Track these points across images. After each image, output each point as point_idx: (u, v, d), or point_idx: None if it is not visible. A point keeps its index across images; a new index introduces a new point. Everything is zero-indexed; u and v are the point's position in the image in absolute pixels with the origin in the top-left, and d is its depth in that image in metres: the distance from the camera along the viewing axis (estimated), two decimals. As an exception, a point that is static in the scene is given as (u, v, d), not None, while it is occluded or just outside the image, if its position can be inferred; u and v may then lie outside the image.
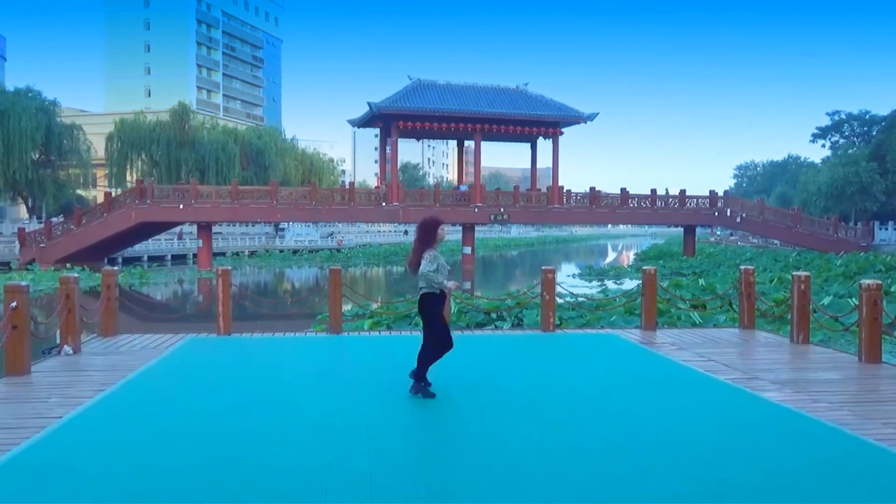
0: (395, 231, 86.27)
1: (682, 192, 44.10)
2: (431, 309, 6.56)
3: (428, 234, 6.61)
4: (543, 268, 11.08)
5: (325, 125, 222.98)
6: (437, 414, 6.03)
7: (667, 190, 45.29)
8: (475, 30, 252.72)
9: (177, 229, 50.97)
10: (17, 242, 38.53)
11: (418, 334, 10.89)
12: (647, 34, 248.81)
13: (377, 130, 46.84)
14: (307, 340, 10.31)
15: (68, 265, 35.30)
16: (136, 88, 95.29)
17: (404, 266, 6.97)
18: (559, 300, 13.72)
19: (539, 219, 45.44)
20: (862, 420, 5.78)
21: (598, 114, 42.30)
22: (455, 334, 9.72)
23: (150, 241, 47.35)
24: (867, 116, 70.79)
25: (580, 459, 4.79)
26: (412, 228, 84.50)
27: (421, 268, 6.49)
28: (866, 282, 8.51)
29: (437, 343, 6.55)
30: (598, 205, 42.60)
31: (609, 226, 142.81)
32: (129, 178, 54.35)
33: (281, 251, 57.45)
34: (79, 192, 56.58)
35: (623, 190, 43.46)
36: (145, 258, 46.68)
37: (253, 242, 60.57)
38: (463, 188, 46.16)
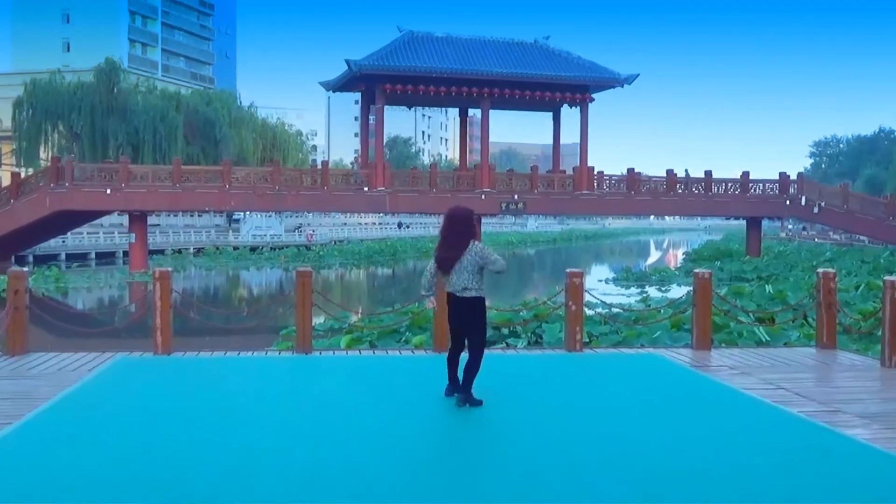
0: (380, 224, 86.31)
1: (745, 174, 44.09)
2: (484, 313, 7.42)
3: (473, 227, 7.32)
4: (568, 270, 11.08)
5: (291, 89, 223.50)
6: (436, 461, 6.02)
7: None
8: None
9: (104, 220, 50.96)
10: None
11: (409, 354, 10.92)
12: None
13: (358, 96, 46.76)
14: (268, 362, 10.30)
15: (-35, 265, 35.30)
16: (51, 41, 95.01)
17: (429, 265, 7.45)
18: (588, 312, 13.72)
19: (563, 208, 45.46)
20: (972, 465, 5.77)
21: (637, 75, 42.32)
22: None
23: (69, 235, 47.34)
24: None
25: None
26: (405, 220, 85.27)
27: (497, 267, 7.23)
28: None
29: (483, 350, 7.43)
30: (637, 191, 42.62)
31: (651, 218, 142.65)
32: (42, 154, 54.37)
33: (235, 248, 57.52)
34: (-23, 172, 56.65)
35: (669, 172, 43.49)
36: (63, 256, 46.69)
37: (200, 237, 60.62)
38: None
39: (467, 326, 7.41)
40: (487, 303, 7.71)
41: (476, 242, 7.26)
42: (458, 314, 7.40)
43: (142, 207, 38.89)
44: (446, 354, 7.76)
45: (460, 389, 7.38)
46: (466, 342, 7.51)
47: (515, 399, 7.90)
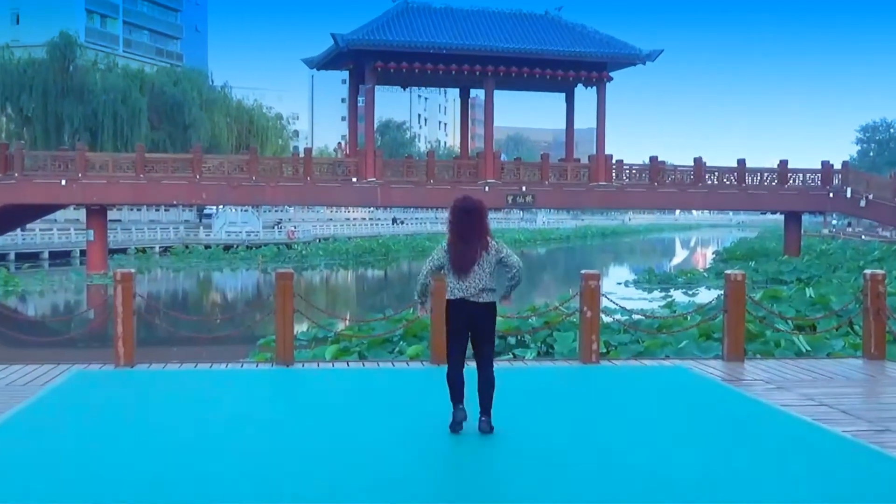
0: (371, 219, 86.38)
1: (783, 163, 44.12)
2: (495, 321, 7.39)
3: (486, 220, 7.22)
4: (583, 272, 11.09)
5: (270, 67, 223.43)
6: (437, 489, 6.02)
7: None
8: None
9: (58, 215, 51.00)
10: None
11: (403, 366, 10.93)
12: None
13: (345, 75, 46.79)
14: (244, 375, 10.30)
15: None
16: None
17: (435, 264, 7.31)
18: (606, 318, 13.72)
19: (577, 202, 45.48)
20: None
21: (661, 52, 42.36)
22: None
23: (18, 231, 47.35)
24: None
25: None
26: (400, 215, 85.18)
27: (513, 261, 7.18)
28: None
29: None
30: (661, 182, 42.66)
31: (677, 212, 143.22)
32: (-12, 141, 54.33)
33: (207, 247, 57.55)
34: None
35: (697, 161, 43.49)
36: (12, 256, 46.71)
37: (167, 234, 60.66)
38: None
39: (483, 336, 7.25)
40: None
41: (491, 238, 7.22)
42: (474, 323, 7.16)
43: (101, 201, 38.88)
44: (446, 374, 7.31)
45: (485, 414, 7.19)
46: (476, 356, 7.31)
47: (524, 418, 7.90)
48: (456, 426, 7.17)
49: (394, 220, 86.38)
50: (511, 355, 14.51)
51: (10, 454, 6.63)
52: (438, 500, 5.60)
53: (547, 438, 7.18)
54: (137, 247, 55.41)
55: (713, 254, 60.60)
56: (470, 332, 7.26)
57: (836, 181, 44.09)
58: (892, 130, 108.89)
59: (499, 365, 11.23)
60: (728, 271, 11.49)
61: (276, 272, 10.95)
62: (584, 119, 48.95)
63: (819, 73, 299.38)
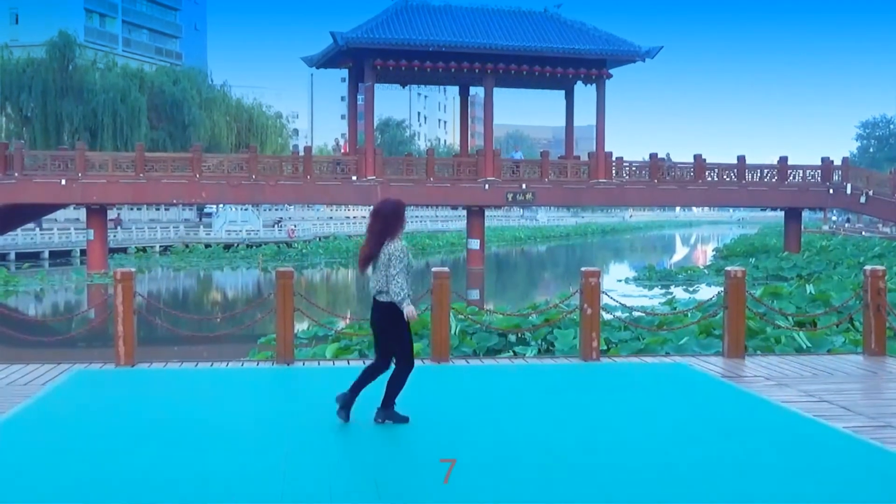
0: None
1: (783, 160, 44.12)
2: (403, 323, 7.33)
3: (394, 220, 7.43)
4: (584, 269, 11.10)
5: (270, 66, 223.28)
6: (440, 488, 6.03)
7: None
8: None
9: (59, 214, 50.99)
10: None
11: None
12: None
13: (345, 73, 46.71)
14: (244, 374, 10.31)
15: None
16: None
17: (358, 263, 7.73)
18: (606, 315, 13.71)
19: (577, 199, 45.38)
20: None
21: (660, 48, 42.32)
22: (457, 365, 9.75)
23: (18, 231, 47.35)
24: None
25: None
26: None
27: (388, 269, 7.25)
28: None
29: (410, 363, 7.45)
30: (661, 179, 42.65)
31: (677, 209, 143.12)
32: (-12, 140, 54.34)
33: (207, 245, 57.54)
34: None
35: (697, 157, 43.50)
36: (13, 256, 46.71)
37: (167, 233, 60.61)
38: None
39: (379, 333, 7.60)
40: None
41: (394, 241, 7.41)
42: (373, 318, 7.60)
43: (101, 200, 38.86)
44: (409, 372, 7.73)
45: (383, 406, 7.50)
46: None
47: (525, 414, 7.91)
48: (339, 410, 7.56)
49: None
50: (512, 353, 14.51)
51: (11, 454, 6.64)
52: (439, 499, 5.60)
53: (548, 436, 7.19)
54: (137, 246, 55.39)
55: (713, 250, 60.57)
56: (374, 328, 7.73)
57: (836, 177, 44.07)
58: (892, 126, 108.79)
59: (500, 362, 11.29)
60: (728, 268, 11.51)
61: (277, 271, 10.97)
62: (584, 116, 48.99)
63: (819, 69, 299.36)
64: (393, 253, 7.28)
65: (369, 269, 7.47)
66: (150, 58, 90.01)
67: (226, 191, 39.48)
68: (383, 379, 7.51)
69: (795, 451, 6.73)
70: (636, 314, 15.81)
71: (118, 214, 57.59)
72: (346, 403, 7.46)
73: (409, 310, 7.27)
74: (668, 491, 5.71)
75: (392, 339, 7.46)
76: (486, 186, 40.25)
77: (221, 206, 60.07)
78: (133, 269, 10.89)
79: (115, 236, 51.01)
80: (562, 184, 41.74)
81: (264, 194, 40.43)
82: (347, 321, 20.74)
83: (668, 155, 45.06)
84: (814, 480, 5.98)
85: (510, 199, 41.35)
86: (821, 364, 10.70)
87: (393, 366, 7.50)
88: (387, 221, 7.43)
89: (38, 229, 50.71)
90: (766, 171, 44.03)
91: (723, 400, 8.69)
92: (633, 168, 43.16)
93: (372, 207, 7.71)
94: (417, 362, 11.12)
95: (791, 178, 43.84)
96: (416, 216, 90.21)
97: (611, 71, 43.00)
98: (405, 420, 7.45)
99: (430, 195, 41.11)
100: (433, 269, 10.79)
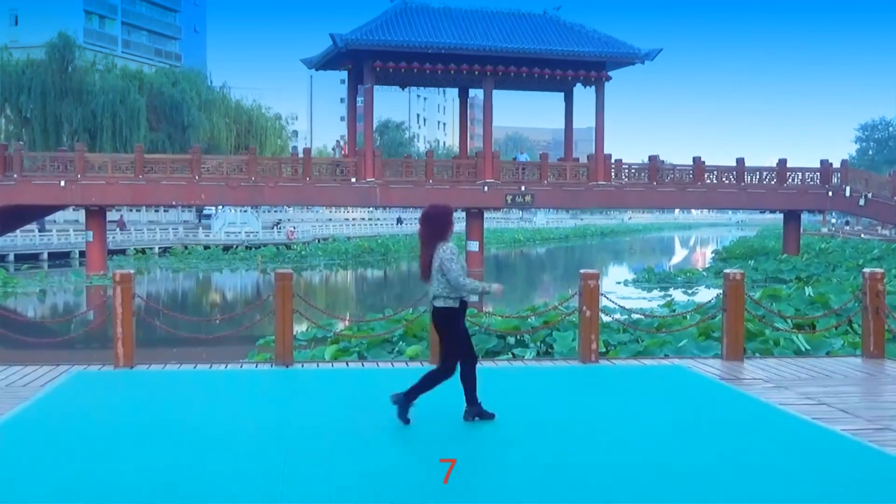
0: (370, 219, 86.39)
1: (782, 162, 44.14)
2: (457, 325, 7.45)
3: (443, 225, 7.50)
4: (583, 271, 11.10)
5: (269, 67, 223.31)
6: (438, 491, 6.03)
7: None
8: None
9: (58, 216, 50.96)
10: None
11: (402, 366, 10.94)
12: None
13: (344, 75, 46.78)
14: (243, 376, 10.31)
15: None
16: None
17: (418, 271, 7.51)
18: (605, 318, 13.72)
19: (576, 201, 45.37)
20: None
21: (660, 51, 42.35)
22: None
23: (17, 233, 47.33)
24: None
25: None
26: (402, 215, 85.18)
27: (447, 271, 7.26)
28: None
29: (452, 369, 7.45)
30: (660, 181, 42.67)
31: (676, 212, 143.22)
32: (-13, 142, 54.33)
33: (206, 247, 57.52)
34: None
35: (696, 160, 43.52)
36: (11, 257, 46.68)
37: (166, 235, 60.60)
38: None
39: (440, 337, 7.63)
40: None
41: (446, 244, 7.46)
42: (433, 323, 7.74)
43: (100, 201, 38.85)
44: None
45: (405, 399, 7.49)
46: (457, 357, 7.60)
47: (523, 417, 7.91)
48: (466, 415, 7.64)
49: (399, 220, 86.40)
50: (511, 355, 14.51)
51: (10, 455, 6.64)
52: (438, 499, 5.60)
53: (546, 438, 7.19)
54: (137, 248, 55.37)
55: (712, 253, 60.60)
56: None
57: (835, 180, 44.08)
58: (890, 129, 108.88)
59: (499, 365, 11.29)
60: (727, 270, 11.51)
61: (276, 272, 10.96)
62: (583, 118, 49.05)
63: (818, 71, 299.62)
64: (444, 256, 7.32)
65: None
66: (149, 59, 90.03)
67: (225, 192, 39.48)
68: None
69: (794, 454, 6.73)
70: (635, 316, 15.80)
71: (121, 216, 57.60)
72: (402, 406, 7.48)
73: (495, 287, 7.57)
74: (667, 493, 5.71)
75: (447, 342, 7.52)
76: (486, 188, 40.26)
77: (220, 207, 60.04)
78: (132, 271, 10.89)
79: (113, 238, 50.98)
80: (561, 186, 41.74)
81: (263, 196, 40.44)
82: (346, 323, 20.75)
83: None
84: (812, 483, 5.98)
85: (509, 201, 41.38)
86: (819, 366, 10.70)
87: (458, 367, 7.55)
88: (436, 226, 7.51)
89: (37, 231, 50.69)
90: (765, 173, 44.03)
91: (721, 402, 8.68)
92: (633, 170, 43.19)
93: (420, 214, 7.73)
94: (415, 365, 11.15)
95: (790, 180, 43.87)
96: (415, 218, 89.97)
97: (610, 73, 43.04)
98: (492, 416, 7.58)
99: (429, 197, 40.83)
100: (432, 271, 10.80)
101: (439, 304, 7.42)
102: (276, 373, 10.32)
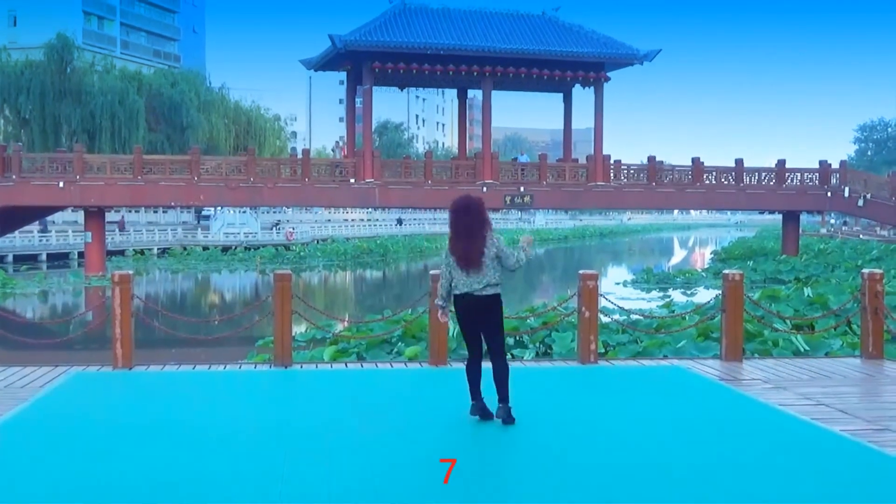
0: (369, 220, 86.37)
1: (781, 163, 44.15)
2: (501, 313, 7.59)
3: (484, 214, 7.53)
4: (582, 272, 11.09)
5: (268, 68, 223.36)
6: (438, 494, 6.02)
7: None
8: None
9: (57, 217, 50.92)
10: None
11: (401, 367, 10.93)
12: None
13: (343, 76, 46.77)
14: (242, 377, 10.30)
15: None
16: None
17: (448, 265, 7.46)
18: (604, 318, 13.72)
19: (575, 202, 45.38)
20: None
21: (659, 51, 42.36)
22: (455, 368, 9.75)
23: (16, 233, 47.31)
24: None
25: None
26: (401, 216, 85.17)
27: (507, 256, 7.42)
28: None
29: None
30: (659, 182, 42.66)
31: (675, 212, 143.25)
32: (-14, 143, 54.33)
33: (205, 248, 57.53)
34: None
35: (695, 161, 43.52)
36: (10, 258, 46.66)
37: (165, 236, 60.59)
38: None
39: (490, 328, 7.61)
40: None
41: (491, 233, 7.54)
42: (480, 315, 7.56)
43: (99, 202, 38.84)
44: (464, 367, 7.84)
45: (503, 401, 7.51)
46: (489, 348, 7.67)
47: (523, 418, 7.89)
48: (472, 410, 7.70)
49: (399, 221, 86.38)
50: (509, 355, 14.49)
51: (9, 456, 6.63)
52: (438, 500, 5.60)
53: (545, 439, 7.19)
54: (135, 248, 55.36)
55: (711, 253, 60.63)
56: (482, 325, 7.62)
57: (834, 180, 44.08)
58: (889, 130, 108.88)
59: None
60: (726, 271, 11.50)
61: (275, 273, 10.95)
62: (582, 119, 49.15)
63: (817, 72, 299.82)
64: (499, 244, 7.48)
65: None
66: (148, 60, 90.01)
67: (224, 193, 39.47)
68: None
69: (793, 454, 6.72)
70: (634, 317, 15.81)
71: (122, 217, 57.60)
72: (483, 408, 7.62)
73: (527, 247, 7.71)
74: (666, 494, 5.70)
75: (502, 331, 7.66)
76: (484, 189, 40.14)
77: (219, 208, 60.05)
78: (131, 272, 10.88)
79: (112, 239, 50.96)
80: (560, 186, 41.74)
81: (262, 197, 40.42)
82: (345, 324, 20.74)
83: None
84: (811, 483, 5.98)
85: (508, 201, 41.37)
86: (818, 367, 10.70)
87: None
88: (480, 216, 7.51)
89: (37, 231, 50.66)
90: (763, 174, 44.05)
91: (720, 403, 8.68)
92: (631, 171, 43.18)
93: (456, 207, 7.57)
94: (414, 366, 11.15)
95: (789, 181, 43.88)
96: (414, 219, 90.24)
97: (609, 74, 43.05)
98: (492, 416, 7.61)
99: (428, 198, 41.07)
100: (430, 272, 10.77)
101: (493, 291, 7.48)
102: (275, 374, 10.32)
